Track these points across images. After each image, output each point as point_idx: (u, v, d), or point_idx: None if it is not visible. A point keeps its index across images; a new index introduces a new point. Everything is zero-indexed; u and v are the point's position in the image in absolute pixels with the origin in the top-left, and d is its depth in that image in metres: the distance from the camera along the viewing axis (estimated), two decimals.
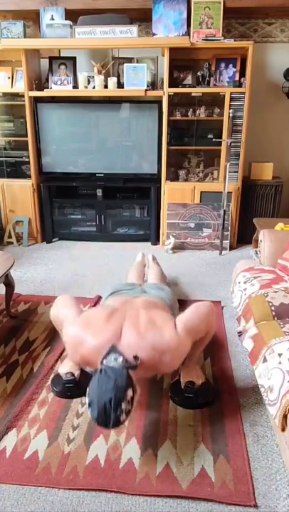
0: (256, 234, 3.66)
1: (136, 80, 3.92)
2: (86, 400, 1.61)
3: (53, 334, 2.63)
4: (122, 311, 1.95)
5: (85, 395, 2.06)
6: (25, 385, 2.19)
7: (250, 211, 4.29)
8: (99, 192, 4.33)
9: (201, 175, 4.21)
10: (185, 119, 4.06)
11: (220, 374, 2.27)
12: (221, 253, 4.15)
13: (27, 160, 4.22)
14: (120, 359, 1.66)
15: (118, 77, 4.05)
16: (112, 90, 3.94)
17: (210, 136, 4.04)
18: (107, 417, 1.53)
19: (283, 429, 1.57)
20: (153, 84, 4.20)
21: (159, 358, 1.74)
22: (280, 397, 1.59)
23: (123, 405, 1.54)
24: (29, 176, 4.26)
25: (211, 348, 2.48)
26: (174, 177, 4.20)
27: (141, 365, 1.68)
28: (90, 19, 3.78)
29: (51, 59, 4.06)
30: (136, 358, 1.68)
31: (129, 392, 1.58)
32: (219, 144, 4.00)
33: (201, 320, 1.92)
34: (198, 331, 1.91)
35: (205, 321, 1.93)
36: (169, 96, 3.91)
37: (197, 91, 3.93)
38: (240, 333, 2.24)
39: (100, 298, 3.14)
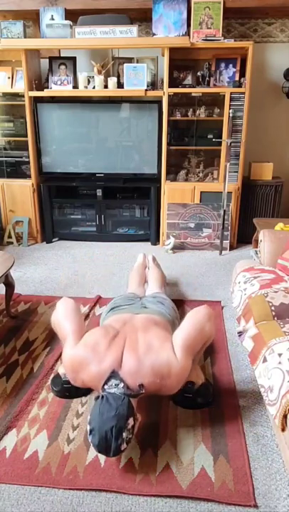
0: (256, 234, 3.66)
1: (136, 80, 3.92)
2: (88, 427, 1.63)
3: (53, 334, 2.63)
4: (122, 335, 1.95)
5: (83, 395, 2.09)
6: (25, 385, 2.19)
7: (250, 211, 4.29)
8: (99, 192, 4.33)
9: (201, 175, 4.21)
10: (185, 119, 4.06)
11: (220, 374, 2.27)
12: (221, 253, 4.15)
13: (27, 160, 4.22)
14: (121, 385, 1.69)
15: (118, 77, 4.05)
16: (112, 90, 3.94)
17: (210, 136, 4.04)
18: (108, 446, 1.56)
19: (283, 429, 1.57)
20: (153, 84, 4.20)
21: (160, 383, 1.77)
22: (280, 397, 1.59)
23: (124, 434, 1.58)
24: (29, 176, 4.26)
25: (211, 348, 2.48)
26: (174, 177, 4.20)
27: (145, 390, 1.72)
28: (90, 19, 3.78)
29: (51, 59, 4.06)
30: (141, 386, 1.71)
31: (130, 421, 1.62)
32: (219, 144, 4.00)
33: (200, 330, 1.91)
34: (197, 343, 1.90)
35: (203, 331, 1.92)
36: (169, 96, 3.91)
37: (197, 91, 3.93)
38: (240, 333, 2.24)
39: (99, 298, 3.14)
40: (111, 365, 1.78)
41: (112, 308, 2.40)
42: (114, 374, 1.74)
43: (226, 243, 4.20)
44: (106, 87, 3.94)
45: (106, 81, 3.93)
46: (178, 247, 4.24)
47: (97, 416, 1.60)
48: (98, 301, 3.10)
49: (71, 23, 3.81)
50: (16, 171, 4.30)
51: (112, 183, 4.31)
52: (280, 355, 1.74)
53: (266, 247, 2.72)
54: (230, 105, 3.87)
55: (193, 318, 1.95)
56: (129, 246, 4.30)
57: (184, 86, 4.04)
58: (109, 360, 1.80)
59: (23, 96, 4.03)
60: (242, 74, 3.93)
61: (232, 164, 4.01)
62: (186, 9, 3.76)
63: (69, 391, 2.08)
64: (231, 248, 4.27)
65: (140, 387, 1.71)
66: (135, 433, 1.67)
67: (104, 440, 1.56)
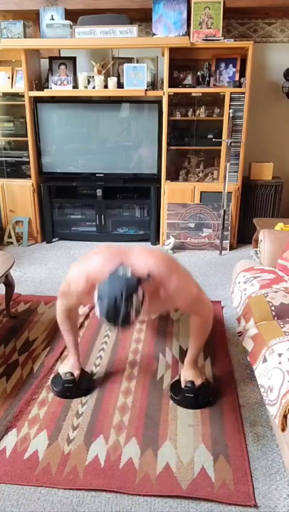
0: (256, 234, 3.66)
1: (136, 80, 3.92)
2: (95, 296, 1.56)
3: (53, 334, 2.64)
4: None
5: (83, 395, 2.09)
6: (25, 385, 2.19)
7: (250, 211, 4.29)
8: (99, 192, 4.33)
9: (201, 175, 4.21)
10: (185, 119, 4.06)
11: (220, 374, 2.27)
12: (221, 253, 4.15)
13: (27, 160, 4.22)
14: (129, 272, 1.59)
15: (118, 77, 4.05)
16: (112, 90, 3.94)
17: (210, 136, 4.04)
18: (117, 310, 1.49)
19: (283, 429, 1.57)
20: (153, 84, 4.20)
21: (168, 277, 1.75)
22: (280, 397, 1.59)
23: (134, 300, 1.50)
24: (29, 176, 4.26)
25: (211, 348, 2.48)
26: (174, 177, 4.20)
27: (152, 280, 1.65)
28: (90, 19, 3.78)
29: (51, 59, 4.06)
30: (149, 275, 1.64)
31: (140, 291, 1.54)
32: (219, 144, 4.00)
33: (204, 296, 1.97)
34: (201, 297, 1.94)
35: (207, 303, 1.97)
36: (169, 96, 3.91)
37: (197, 91, 3.93)
38: (240, 333, 2.24)
39: None
40: (117, 255, 1.77)
41: None
42: (121, 265, 1.63)
43: (226, 243, 4.20)
44: (106, 87, 3.94)
45: (106, 81, 3.93)
46: (178, 247, 4.24)
47: (106, 284, 1.53)
48: None
49: (71, 23, 3.81)
50: (16, 171, 4.30)
51: (112, 183, 4.31)
52: (280, 355, 1.74)
53: (266, 247, 2.72)
54: (230, 105, 3.87)
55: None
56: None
57: (184, 86, 4.04)
58: (115, 251, 1.82)
59: (23, 96, 4.03)
60: (242, 74, 3.93)
61: (232, 164, 4.01)
62: (186, 9, 3.76)
63: (69, 391, 2.08)
64: (231, 248, 4.26)
65: (148, 276, 1.62)
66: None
67: (113, 303, 1.48)
